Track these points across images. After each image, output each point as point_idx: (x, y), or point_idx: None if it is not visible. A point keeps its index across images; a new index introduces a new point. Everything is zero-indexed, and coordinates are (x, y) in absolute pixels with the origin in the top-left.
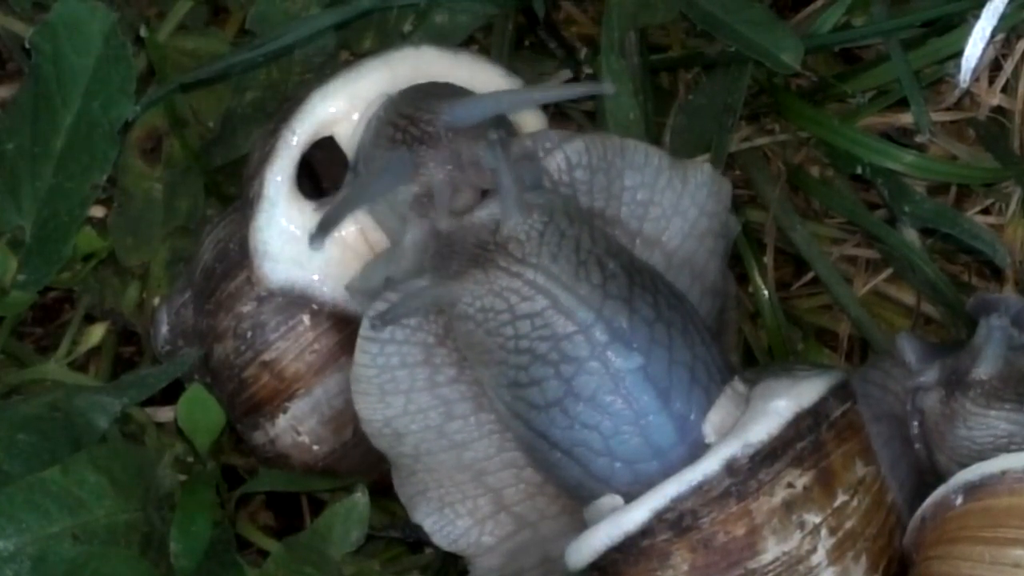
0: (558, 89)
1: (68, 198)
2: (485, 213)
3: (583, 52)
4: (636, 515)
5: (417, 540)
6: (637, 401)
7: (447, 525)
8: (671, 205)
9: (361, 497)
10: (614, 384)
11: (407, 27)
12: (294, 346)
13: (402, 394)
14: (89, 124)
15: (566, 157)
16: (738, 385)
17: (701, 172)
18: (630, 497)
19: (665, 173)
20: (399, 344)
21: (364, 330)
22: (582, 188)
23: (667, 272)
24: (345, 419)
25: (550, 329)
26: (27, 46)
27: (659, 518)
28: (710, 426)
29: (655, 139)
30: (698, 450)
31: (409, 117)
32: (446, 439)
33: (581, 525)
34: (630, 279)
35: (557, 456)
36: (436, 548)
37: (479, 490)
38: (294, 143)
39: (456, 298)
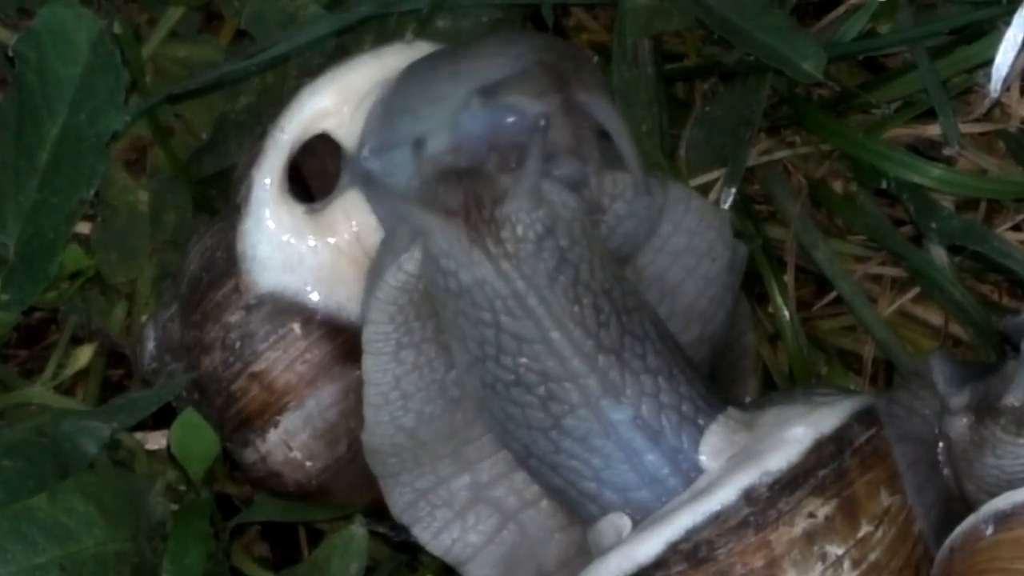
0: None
1: (54, 214)
2: (508, 181)
3: (594, 61)
4: (649, 546)
5: (405, 543)
6: (628, 445)
7: (426, 517)
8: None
9: (359, 528)
10: (605, 431)
11: (408, 35)
12: (284, 356)
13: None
14: (76, 136)
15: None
16: (734, 412)
17: (689, 198)
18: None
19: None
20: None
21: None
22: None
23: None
24: (339, 433)
25: (540, 365)
26: (11, 54)
27: (674, 549)
28: (706, 453)
29: (670, 152)
30: (694, 475)
31: (570, 59)
32: (444, 388)
33: (563, 518)
34: (621, 327)
35: (534, 462)
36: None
37: (455, 466)
38: (283, 142)
39: (428, 231)
